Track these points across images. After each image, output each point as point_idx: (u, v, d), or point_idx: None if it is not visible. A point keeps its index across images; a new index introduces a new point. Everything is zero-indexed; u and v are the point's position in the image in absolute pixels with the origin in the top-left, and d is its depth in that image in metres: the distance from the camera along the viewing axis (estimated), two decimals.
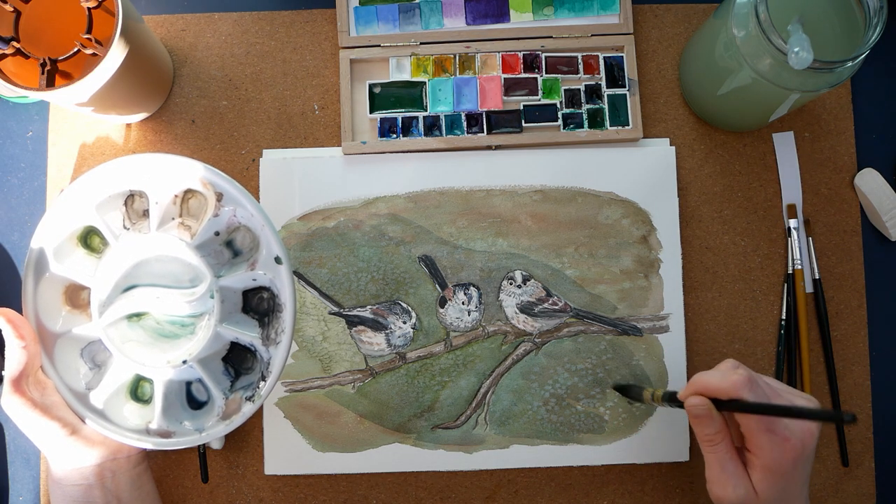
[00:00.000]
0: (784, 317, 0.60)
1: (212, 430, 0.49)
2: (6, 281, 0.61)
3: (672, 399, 0.49)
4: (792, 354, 0.60)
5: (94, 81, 0.48)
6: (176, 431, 0.49)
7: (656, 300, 0.59)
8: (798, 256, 0.60)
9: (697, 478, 0.60)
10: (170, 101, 0.61)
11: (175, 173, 0.48)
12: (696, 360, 0.60)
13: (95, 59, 0.48)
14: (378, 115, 0.60)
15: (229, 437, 0.59)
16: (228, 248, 0.50)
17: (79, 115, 0.61)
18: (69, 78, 0.49)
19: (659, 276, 0.59)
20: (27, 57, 0.49)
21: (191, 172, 0.48)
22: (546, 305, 0.59)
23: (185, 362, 0.47)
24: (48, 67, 0.49)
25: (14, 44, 0.49)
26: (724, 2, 0.53)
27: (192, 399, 0.52)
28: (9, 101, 0.61)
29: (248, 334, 0.49)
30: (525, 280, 0.59)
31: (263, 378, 0.49)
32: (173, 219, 0.49)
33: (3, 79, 0.49)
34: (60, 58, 0.49)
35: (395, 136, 0.60)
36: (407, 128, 0.60)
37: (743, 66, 0.51)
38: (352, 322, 0.59)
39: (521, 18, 0.61)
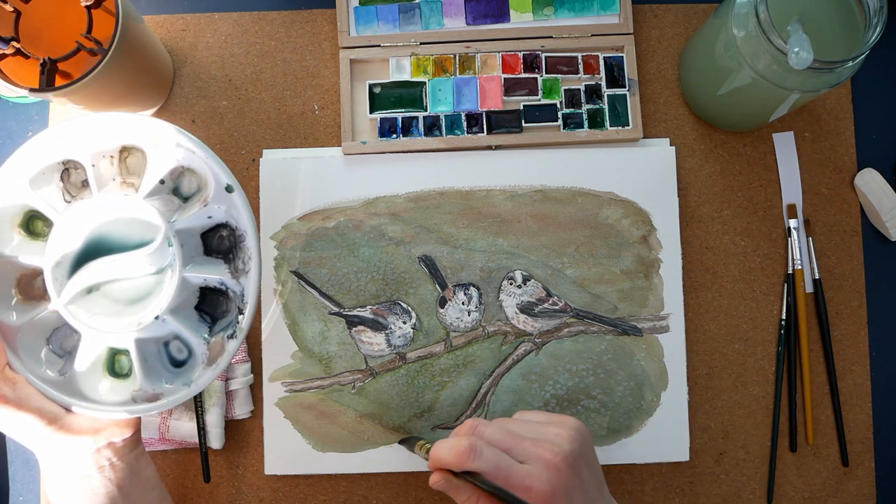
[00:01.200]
0: (784, 317, 0.60)
1: (200, 380, 0.48)
2: None
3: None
4: (792, 354, 0.60)
5: (94, 81, 0.48)
6: (163, 392, 0.48)
7: (656, 300, 0.59)
8: (798, 256, 0.60)
9: (697, 478, 0.60)
10: (170, 101, 0.61)
11: (104, 133, 0.47)
12: (696, 361, 0.60)
13: (95, 58, 0.48)
14: (378, 115, 0.60)
15: (229, 437, 0.59)
16: (176, 195, 0.49)
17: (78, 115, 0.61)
18: (69, 78, 0.49)
19: (659, 276, 0.59)
20: (27, 57, 0.49)
21: (119, 127, 0.46)
22: (546, 305, 0.59)
23: (157, 318, 0.46)
24: (48, 67, 0.49)
25: (14, 44, 0.49)
26: (724, 2, 0.53)
27: (173, 361, 0.50)
28: (9, 101, 0.61)
29: (216, 273, 0.48)
30: (525, 280, 0.59)
31: (241, 312, 0.48)
32: (114, 179, 0.48)
33: (3, 79, 0.49)
34: (60, 58, 0.49)
35: (395, 136, 0.60)
36: (407, 128, 0.60)
37: (743, 66, 0.51)
38: (352, 322, 0.59)
39: (521, 18, 0.61)
